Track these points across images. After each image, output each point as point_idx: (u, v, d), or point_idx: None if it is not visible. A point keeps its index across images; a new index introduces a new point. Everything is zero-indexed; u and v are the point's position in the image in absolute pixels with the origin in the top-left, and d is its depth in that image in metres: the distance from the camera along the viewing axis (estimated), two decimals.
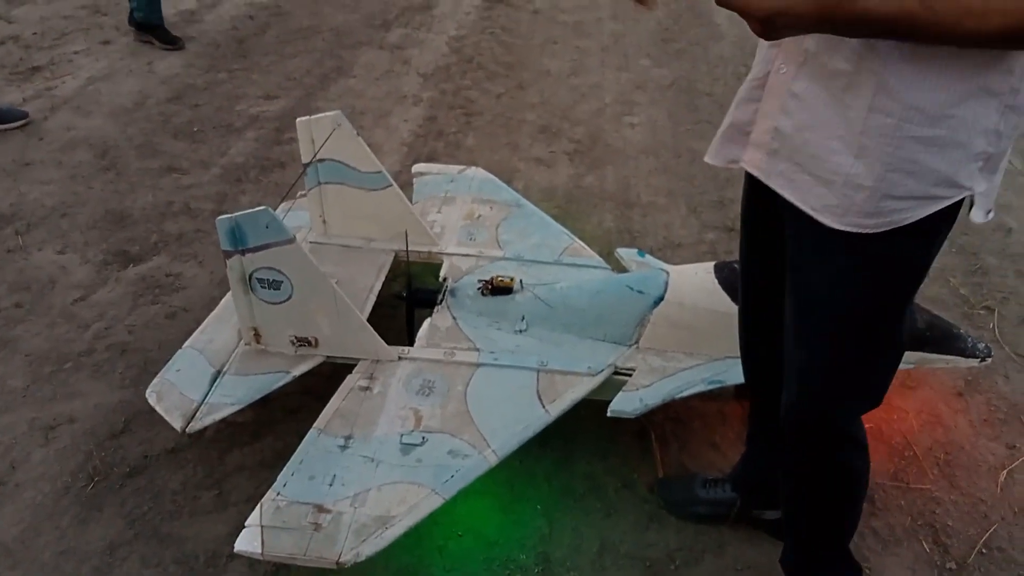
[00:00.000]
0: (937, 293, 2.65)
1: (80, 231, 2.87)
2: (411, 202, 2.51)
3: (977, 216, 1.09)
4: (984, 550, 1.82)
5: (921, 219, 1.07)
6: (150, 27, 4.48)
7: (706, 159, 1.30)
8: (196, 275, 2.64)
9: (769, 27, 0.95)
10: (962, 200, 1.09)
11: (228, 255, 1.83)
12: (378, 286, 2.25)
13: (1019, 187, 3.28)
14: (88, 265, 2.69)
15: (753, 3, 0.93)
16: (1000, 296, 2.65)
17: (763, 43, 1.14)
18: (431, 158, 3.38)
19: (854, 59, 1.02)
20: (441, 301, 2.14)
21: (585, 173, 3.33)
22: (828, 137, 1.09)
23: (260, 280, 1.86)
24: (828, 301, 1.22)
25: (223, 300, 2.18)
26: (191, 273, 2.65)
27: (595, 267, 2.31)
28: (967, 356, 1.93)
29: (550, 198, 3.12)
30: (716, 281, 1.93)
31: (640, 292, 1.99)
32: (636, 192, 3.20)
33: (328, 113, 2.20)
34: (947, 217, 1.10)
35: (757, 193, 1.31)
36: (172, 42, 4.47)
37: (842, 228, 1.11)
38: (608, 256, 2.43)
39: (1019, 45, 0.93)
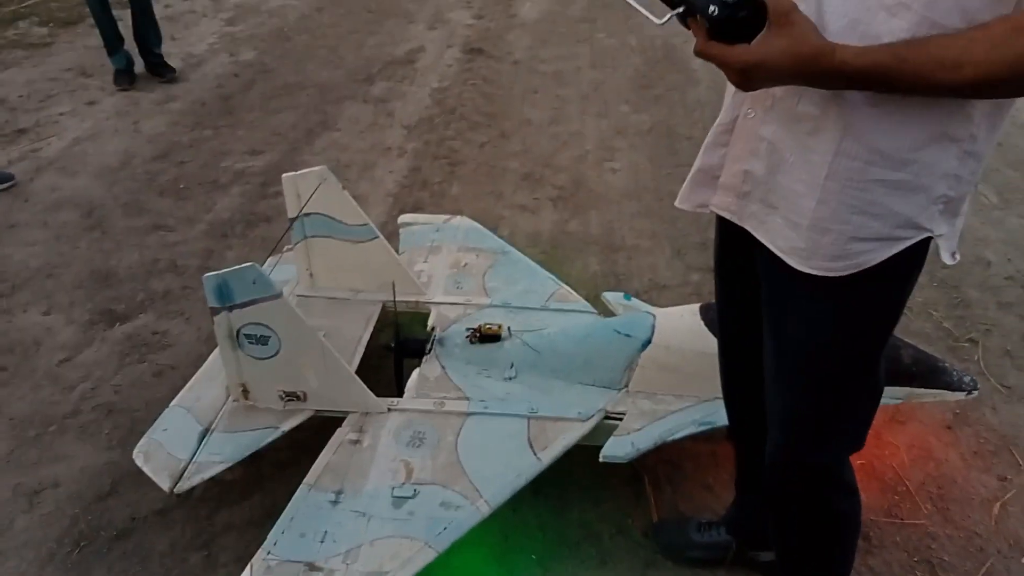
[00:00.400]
0: (921, 327, 2.67)
1: (65, 291, 2.86)
2: (397, 252, 2.53)
3: (944, 258, 1.12)
4: None
5: (887, 262, 1.09)
6: (151, 66, 4.83)
7: (676, 204, 1.31)
8: (183, 332, 2.63)
9: (746, 79, 0.97)
10: (928, 244, 1.11)
11: (215, 312, 1.83)
12: (366, 337, 2.25)
13: (995, 220, 3.34)
14: (73, 325, 2.67)
15: (731, 56, 0.95)
16: (983, 328, 2.68)
17: (731, 88, 1.17)
18: (417, 208, 3.41)
19: (821, 103, 1.04)
20: (429, 350, 2.14)
21: (569, 218, 3.36)
22: (795, 180, 1.11)
23: (248, 336, 1.86)
24: (803, 346, 1.23)
25: (210, 357, 2.17)
26: (178, 330, 2.64)
27: (582, 312, 2.33)
28: (954, 389, 1.94)
29: (535, 244, 3.14)
30: (702, 323, 1.94)
31: (627, 336, 2.00)
32: (620, 236, 3.23)
33: (313, 168, 2.23)
34: (913, 260, 1.12)
35: (730, 239, 1.33)
36: (168, 76, 4.84)
37: (808, 271, 1.12)
38: (595, 300, 2.45)
39: (989, 94, 0.96)
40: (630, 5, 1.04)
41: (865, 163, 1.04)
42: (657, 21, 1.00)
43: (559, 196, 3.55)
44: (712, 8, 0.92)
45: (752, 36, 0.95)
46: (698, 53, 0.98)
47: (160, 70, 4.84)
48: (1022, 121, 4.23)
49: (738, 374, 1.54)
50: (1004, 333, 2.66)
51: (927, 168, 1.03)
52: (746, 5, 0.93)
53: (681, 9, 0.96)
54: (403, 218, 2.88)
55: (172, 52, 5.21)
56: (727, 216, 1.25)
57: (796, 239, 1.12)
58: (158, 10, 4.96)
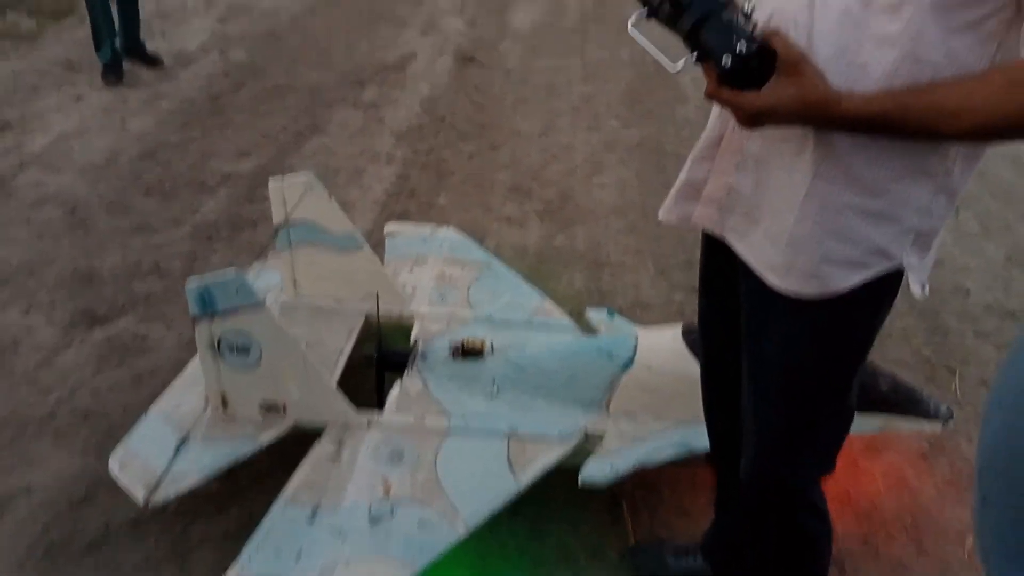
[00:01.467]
0: (899, 354, 2.70)
1: (47, 290, 2.83)
2: (383, 261, 2.52)
3: (913, 290, 1.14)
4: None
5: (860, 289, 1.12)
6: (136, 53, 4.87)
7: (660, 217, 1.33)
8: (163, 337, 2.61)
9: (755, 122, 1.00)
10: (900, 276, 1.13)
11: (197, 320, 1.82)
12: (348, 348, 2.24)
13: (976, 250, 3.38)
14: (53, 326, 2.64)
15: (742, 102, 0.98)
16: (960, 357, 2.71)
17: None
18: (404, 217, 3.40)
19: (805, 127, 1.07)
20: (412, 364, 2.13)
21: (556, 233, 3.37)
22: (776, 198, 1.13)
23: (229, 345, 1.85)
24: (778, 366, 1.25)
25: (190, 364, 2.16)
26: (158, 335, 2.62)
27: (565, 328, 2.33)
28: (930, 419, 1.95)
29: (521, 258, 3.15)
30: (684, 345, 1.95)
31: (609, 355, 2.01)
32: (606, 252, 3.24)
33: (299, 175, 2.22)
34: (885, 289, 1.15)
35: (715, 254, 1.35)
36: (155, 61, 4.93)
37: (784, 288, 1.14)
38: (579, 316, 2.45)
39: (988, 142, 0.99)
40: (646, 49, 1.08)
41: (842, 188, 1.07)
42: (672, 68, 1.04)
43: (546, 210, 3.55)
44: (725, 59, 0.95)
45: (762, 82, 0.97)
46: (709, 96, 1.00)
47: (148, 58, 4.92)
48: (1004, 151, 4.29)
49: (719, 392, 1.56)
50: (981, 362, 2.69)
51: (900, 199, 1.06)
52: (758, 55, 0.95)
53: (694, 56, 0.99)
54: (389, 227, 2.87)
55: (162, 49, 5.17)
56: (708, 228, 1.27)
57: (775, 255, 1.15)
58: (149, 6, 4.94)
